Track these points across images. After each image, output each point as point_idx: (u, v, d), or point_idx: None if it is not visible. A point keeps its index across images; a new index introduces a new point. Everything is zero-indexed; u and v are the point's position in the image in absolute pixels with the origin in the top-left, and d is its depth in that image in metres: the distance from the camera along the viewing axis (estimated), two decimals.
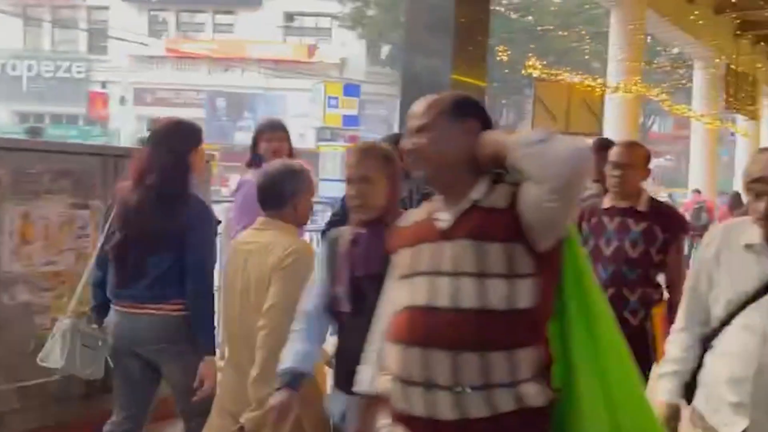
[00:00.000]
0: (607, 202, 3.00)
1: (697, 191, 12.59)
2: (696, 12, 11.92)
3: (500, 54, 9.47)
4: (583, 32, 18.22)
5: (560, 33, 17.98)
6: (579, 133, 9.27)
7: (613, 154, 2.99)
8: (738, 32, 14.39)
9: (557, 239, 1.51)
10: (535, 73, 8.19)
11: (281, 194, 2.43)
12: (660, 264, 2.94)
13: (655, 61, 26.11)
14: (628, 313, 2.84)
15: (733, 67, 13.98)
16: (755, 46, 15.69)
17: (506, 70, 17.34)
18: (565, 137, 1.49)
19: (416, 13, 5.72)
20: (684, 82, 16.57)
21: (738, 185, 15.80)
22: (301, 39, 27.78)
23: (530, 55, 8.10)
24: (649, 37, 22.50)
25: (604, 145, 3.47)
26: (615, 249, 2.89)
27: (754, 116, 15.61)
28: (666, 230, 2.91)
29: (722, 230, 2.00)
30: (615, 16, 10.30)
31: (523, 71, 8.06)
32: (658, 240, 2.89)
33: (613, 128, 10.16)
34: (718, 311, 1.88)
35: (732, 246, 1.88)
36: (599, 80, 9.28)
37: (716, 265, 1.91)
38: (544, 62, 8.66)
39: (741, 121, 16.56)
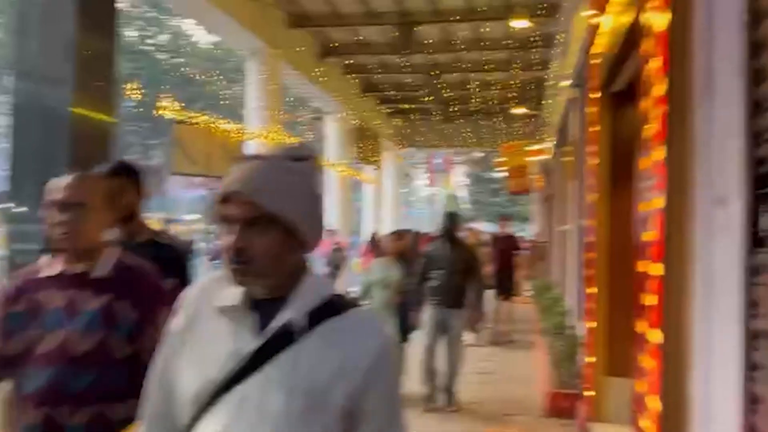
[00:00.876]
0: (49, 268, 2.01)
1: (332, 231, 13.77)
2: (322, 68, 13.17)
3: (131, 92, 9.13)
4: (224, 79, 18.84)
5: (205, 77, 18.13)
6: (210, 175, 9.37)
7: (55, 190, 1.95)
8: (363, 93, 16.36)
9: None
10: (170, 115, 8.06)
11: None
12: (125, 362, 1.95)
13: (298, 113, 28.11)
14: None
15: (359, 121, 15.80)
16: (378, 105, 18.05)
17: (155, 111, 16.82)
18: None
19: (32, 37, 5.16)
20: (321, 136, 18.21)
21: (366, 227, 18.12)
22: None
23: (163, 96, 7.94)
24: (290, 95, 24.66)
25: (127, 169, 2.67)
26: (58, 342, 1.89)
27: (377, 166, 17.81)
28: (137, 305, 1.99)
29: (199, 288, 1.42)
30: (251, 65, 10.76)
31: (155, 112, 7.85)
32: (125, 321, 1.96)
33: None
34: (185, 412, 1.33)
35: (206, 311, 1.36)
36: (238, 125, 9.56)
37: (183, 343, 1.36)
38: (183, 104, 8.64)
39: (368, 170, 18.74)
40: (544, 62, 13.09)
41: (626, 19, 4.11)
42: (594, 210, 5.53)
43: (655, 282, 2.58)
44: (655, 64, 2.61)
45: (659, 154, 2.53)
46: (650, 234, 2.69)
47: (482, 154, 40.50)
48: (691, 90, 2.30)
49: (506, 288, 10.62)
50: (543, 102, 14.36)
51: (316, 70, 12.82)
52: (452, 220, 6.67)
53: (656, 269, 2.57)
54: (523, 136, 16.82)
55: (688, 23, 2.33)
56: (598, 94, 5.59)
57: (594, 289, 5.54)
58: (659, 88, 2.57)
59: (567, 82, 8.89)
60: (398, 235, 6.50)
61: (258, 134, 9.48)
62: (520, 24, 9.05)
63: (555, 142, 12.83)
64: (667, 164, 2.45)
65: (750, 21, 1.83)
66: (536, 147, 15.25)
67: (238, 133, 9.24)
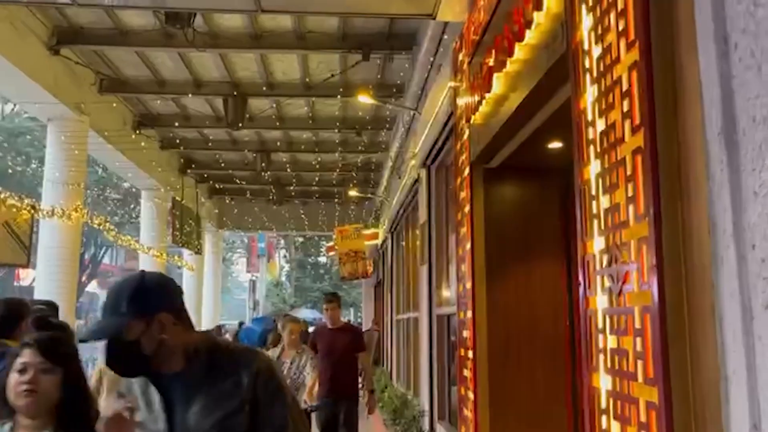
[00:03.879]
0: None
1: None
2: (142, 143, 11.73)
3: None
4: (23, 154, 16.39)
5: None
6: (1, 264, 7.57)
7: None
8: (183, 169, 14.94)
9: None
10: None
11: None
12: None
13: (107, 192, 25.52)
14: None
15: (178, 199, 14.29)
16: (199, 183, 16.62)
17: None
18: None
19: None
20: (135, 215, 16.27)
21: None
22: None
23: None
24: (101, 168, 22.18)
25: None
26: None
27: (198, 251, 16.19)
28: None
29: None
30: (52, 132, 9.13)
31: None
32: None
33: (49, 257, 8.73)
34: None
35: None
36: (27, 201, 7.81)
37: None
38: None
39: (187, 255, 17.01)
40: (379, 144, 12.77)
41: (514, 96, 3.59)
42: (469, 300, 4.84)
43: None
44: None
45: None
46: None
47: (303, 239, 39.88)
48: None
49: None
50: (380, 184, 13.97)
51: (130, 140, 11.33)
52: None
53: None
54: (357, 219, 16.30)
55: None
56: (466, 172, 5.02)
57: (471, 393, 4.77)
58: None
59: (413, 162, 8.42)
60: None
61: (54, 212, 7.82)
62: (363, 99, 8.49)
63: (391, 226, 12.36)
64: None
65: None
66: (372, 231, 14.75)
67: (26, 210, 7.52)
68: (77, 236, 9.03)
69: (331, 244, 18.26)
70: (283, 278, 42.51)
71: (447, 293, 7.35)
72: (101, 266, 36.85)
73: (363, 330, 18.40)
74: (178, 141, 13.20)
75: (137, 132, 11.70)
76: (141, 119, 11.64)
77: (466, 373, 4.88)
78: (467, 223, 4.93)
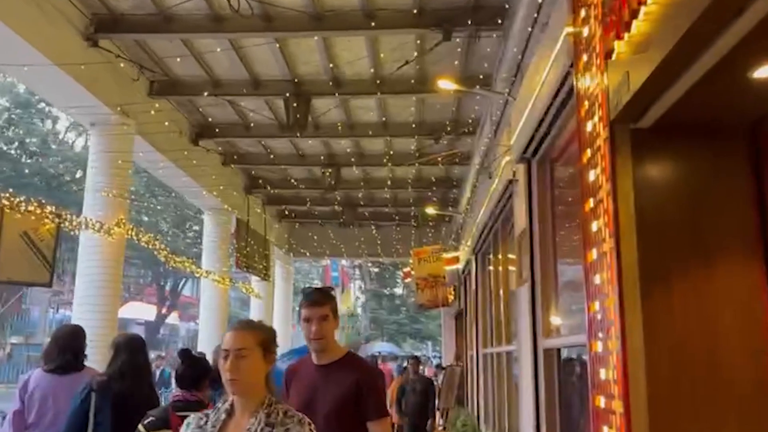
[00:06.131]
0: None
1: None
2: (195, 153, 10.71)
3: None
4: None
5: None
6: (17, 282, 6.55)
7: None
8: (248, 188, 13.91)
9: None
10: None
11: None
12: None
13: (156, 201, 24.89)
14: None
15: (244, 220, 13.23)
16: (267, 206, 15.58)
17: None
18: None
19: None
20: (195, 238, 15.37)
21: None
22: None
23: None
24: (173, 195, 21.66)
25: None
26: None
27: (265, 276, 15.05)
28: None
29: None
30: (95, 137, 8.15)
31: None
32: None
33: (88, 281, 7.65)
34: None
35: None
36: (50, 208, 6.70)
37: None
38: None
39: (255, 282, 15.93)
40: (460, 155, 11.29)
41: None
42: (612, 326, 3.26)
43: None
44: None
45: None
46: None
47: (378, 269, 38.53)
48: None
49: None
50: (461, 200, 12.45)
51: (187, 153, 10.31)
52: None
53: None
54: (435, 242, 14.80)
55: None
56: (601, 140, 3.47)
57: None
58: None
59: (507, 158, 6.88)
60: None
61: (88, 223, 6.73)
62: (444, 85, 7.05)
63: (476, 246, 10.78)
64: None
65: None
66: (452, 254, 13.20)
67: (51, 219, 6.44)
68: (119, 254, 7.94)
69: (407, 269, 16.79)
70: (358, 310, 41.25)
71: (557, 320, 5.72)
72: (181, 298, 36.78)
73: (444, 366, 16.76)
74: (241, 155, 12.16)
75: (195, 144, 10.70)
76: (198, 129, 10.62)
77: None
78: (605, 213, 3.36)
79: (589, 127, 3.71)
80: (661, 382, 3.04)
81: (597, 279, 3.52)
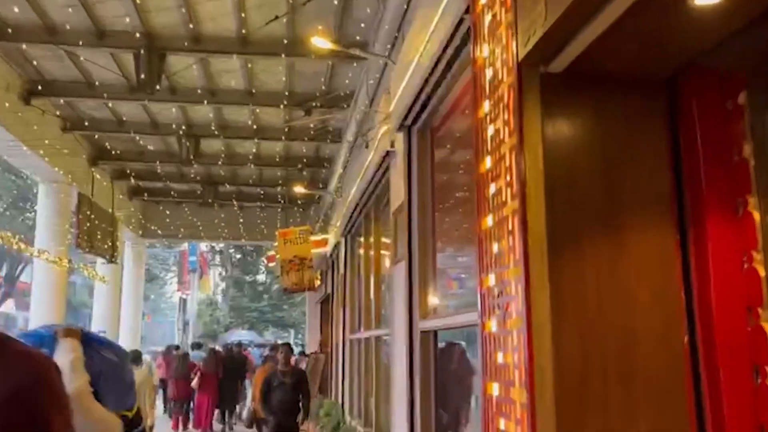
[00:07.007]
0: None
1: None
2: (34, 119, 9.29)
3: None
4: None
5: None
6: None
7: None
8: (94, 159, 12.44)
9: None
10: None
11: None
12: None
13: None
14: None
15: (87, 195, 11.79)
16: (116, 181, 14.09)
17: None
18: None
19: None
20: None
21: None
22: None
23: None
24: None
25: None
26: None
27: (112, 258, 13.60)
28: None
29: None
30: None
31: None
32: None
33: None
34: None
35: None
36: None
37: None
38: None
39: (100, 264, 14.41)
40: (332, 130, 10.67)
41: None
42: (515, 300, 2.79)
43: None
44: None
45: None
46: None
47: (240, 255, 37.10)
48: None
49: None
50: (332, 179, 11.82)
51: (15, 112, 8.87)
52: None
53: None
54: (302, 224, 14.07)
55: None
56: (507, 85, 2.99)
57: None
58: None
59: (385, 128, 6.34)
60: None
61: None
62: (318, 43, 6.37)
63: (347, 227, 10.22)
64: None
65: None
66: (321, 236, 12.56)
67: None
68: None
69: (272, 253, 15.95)
70: (218, 297, 39.54)
71: (435, 299, 5.28)
72: (18, 284, 33.58)
73: (307, 353, 16.15)
74: (84, 119, 10.75)
75: (27, 103, 9.25)
76: (30, 85, 9.19)
77: (508, 427, 2.80)
78: (507, 171, 2.89)
79: (488, 74, 3.22)
80: (570, 365, 2.60)
81: (495, 248, 3.05)
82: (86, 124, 10.78)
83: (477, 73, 3.40)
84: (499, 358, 2.96)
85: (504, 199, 2.93)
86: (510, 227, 2.84)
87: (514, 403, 2.75)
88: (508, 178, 2.88)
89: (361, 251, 9.50)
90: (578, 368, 2.59)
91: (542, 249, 2.67)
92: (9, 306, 34.85)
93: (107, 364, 3.01)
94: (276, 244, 13.02)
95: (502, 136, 2.98)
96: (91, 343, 2.98)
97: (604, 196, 2.79)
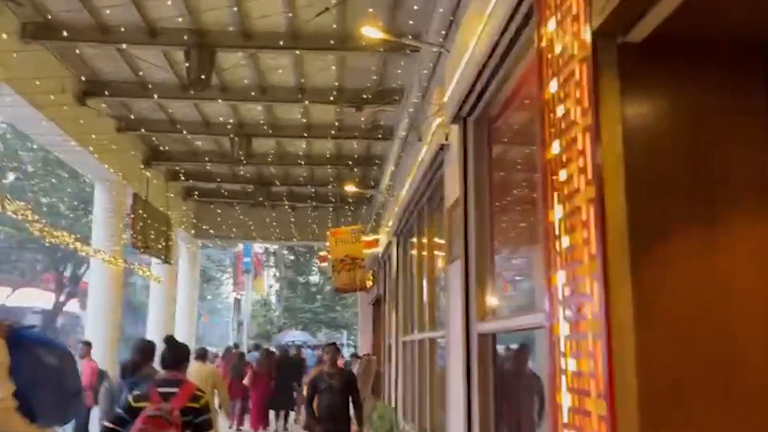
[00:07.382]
0: None
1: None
2: (87, 119, 9.37)
3: None
4: None
5: None
6: None
7: None
8: (148, 160, 12.54)
9: None
10: None
11: None
12: None
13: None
14: None
15: (141, 196, 11.88)
16: (171, 182, 14.21)
17: None
18: None
19: None
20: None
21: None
22: None
23: None
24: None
25: None
26: None
27: (167, 259, 13.69)
28: None
29: None
30: None
31: None
32: None
33: None
34: None
35: None
36: None
37: None
38: None
39: (155, 264, 14.54)
40: (383, 128, 10.44)
41: None
42: (592, 302, 2.48)
43: None
44: None
45: None
46: None
47: (293, 257, 37.28)
48: None
49: None
50: (383, 178, 11.58)
51: (70, 112, 8.95)
52: None
53: None
54: (354, 224, 13.89)
55: None
56: (578, 59, 2.68)
57: None
58: None
59: (439, 120, 6.05)
60: None
61: None
62: (369, 33, 6.13)
63: (399, 226, 9.96)
64: None
65: None
66: (372, 237, 12.34)
67: None
68: None
69: (323, 253, 15.82)
70: (272, 298, 39.87)
71: (493, 301, 4.96)
72: (81, 284, 34.51)
73: (360, 355, 15.91)
74: (138, 120, 10.81)
75: (82, 104, 9.32)
76: (85, 86, 9.25)
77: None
78: (580, 156, 2.57)
79: (557, 49, 2.91)
80: (658, 372, 2.27)
81: (565, 241, 2.73)
82: (139, 124, 10.84)
83: (542, 51, 3.08)
84: (571, 365, 2.65)
85: (576, 186, 2.61)
86: (584, 218, 2.52)
87: (590, 415, 2.44)
88: (581, 163, 2.56)
89: (414, 251, 9.23)
90: (668, 378, 2.26)
91: (623, 241, 2.35)
92: (73, 305, 35.89)
93: (43, 369, 2.56)
94: (327, 243, 12.87)
95: (573, 117, 2.67)
96: (22, 343, 2.56)
97: (692, 180, 2.45)
